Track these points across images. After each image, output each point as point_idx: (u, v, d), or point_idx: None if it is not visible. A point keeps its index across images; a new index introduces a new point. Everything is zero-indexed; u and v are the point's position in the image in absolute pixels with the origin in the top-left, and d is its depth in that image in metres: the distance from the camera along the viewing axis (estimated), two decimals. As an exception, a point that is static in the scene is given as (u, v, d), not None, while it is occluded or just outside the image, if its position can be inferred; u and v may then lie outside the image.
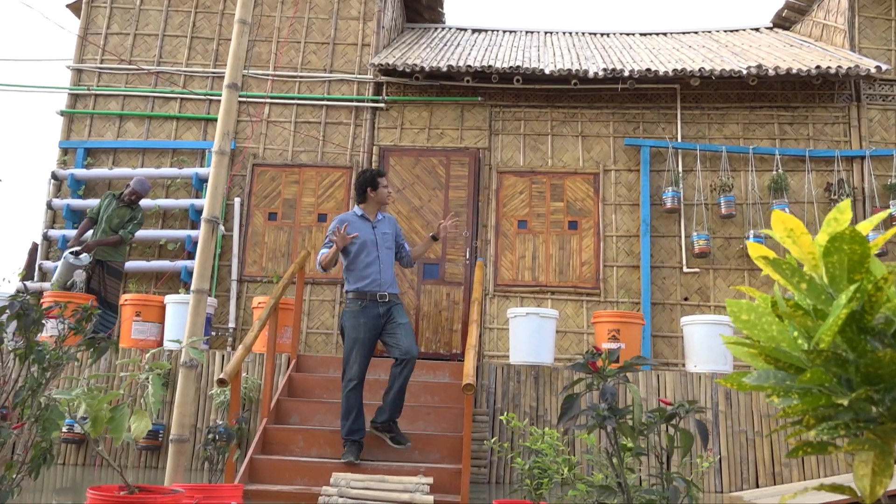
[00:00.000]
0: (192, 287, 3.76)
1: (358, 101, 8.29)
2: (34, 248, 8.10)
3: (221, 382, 4.39)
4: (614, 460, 1.99)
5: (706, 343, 6.10)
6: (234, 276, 7.83)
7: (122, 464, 5.93)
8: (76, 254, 6.54)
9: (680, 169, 7.84)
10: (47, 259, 7.99)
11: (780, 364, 1.14)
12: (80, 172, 8.03)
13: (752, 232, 7.50)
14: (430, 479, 4.56)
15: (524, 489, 2.96)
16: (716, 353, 6.06)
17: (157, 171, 8.01)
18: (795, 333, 1.15)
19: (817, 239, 1.19)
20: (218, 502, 3.33)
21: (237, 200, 8.00)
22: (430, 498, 4.13)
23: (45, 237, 7.95)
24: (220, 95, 8.09)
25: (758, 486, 5.70)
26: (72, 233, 7.86)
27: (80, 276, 6.53)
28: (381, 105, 8.24)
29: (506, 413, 5.92)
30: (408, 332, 4.81)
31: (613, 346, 6.18)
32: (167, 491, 2.74)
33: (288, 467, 4.82)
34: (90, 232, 7.07)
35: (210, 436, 3.39)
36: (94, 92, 8.43)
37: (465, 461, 4.56)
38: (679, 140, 7.94)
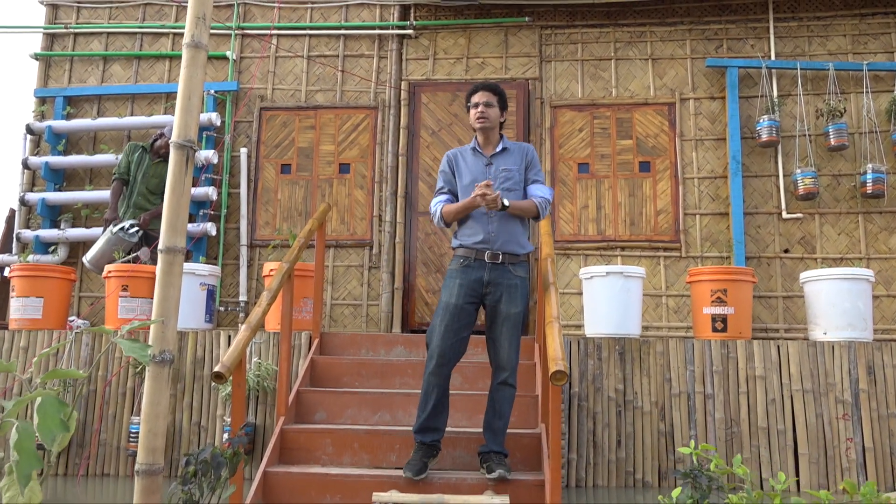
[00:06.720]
0: (161, 244, 2.54)
1: (381, 27, 6.95)
2: (11, 215, 6.95)
3: (218, 377, 3.19)
4: None
5: (839, 304, 4.78)
6: (244, 240, 6.63)
7: (112, 473, 4.81)
8: (125, 228, 5.70)
9: (775, 93, 6.44)
10: (27, 227, 6.83)
11: None
12: (60, 124, 6.81)
13: (869, 166, 6.10)
14: (505, 499, 3.37)
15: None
16: (852, 316, 4.74)
17: (150, 119, 6.75)
18: None
19: None
20: (205, 572, 2.14)
21: (243, 151, 6.76)
22: (513, 530, 2.93)
23: (23, 202, 6.75)
24: (218, 29, 6.62)
25: (915, 485, 4.45)
26: (54, 196, 6.72)
27: (144, 254, 5.68)
28: (409, 32, 6.89)
29: (589, 398, 4.69)
30: (511, 333, 3.57)
31: (718, 310, 4.89)
32: None
33: (313, 483, 3.65)
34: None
35: (189, 468, 2.18)
36: (72, 30, 7.17)
37: (552, 474, 3.33)
38: (773, 58, 6.51)
